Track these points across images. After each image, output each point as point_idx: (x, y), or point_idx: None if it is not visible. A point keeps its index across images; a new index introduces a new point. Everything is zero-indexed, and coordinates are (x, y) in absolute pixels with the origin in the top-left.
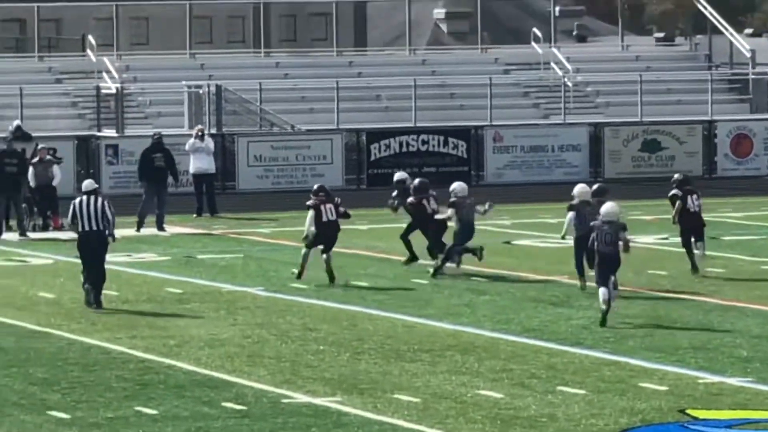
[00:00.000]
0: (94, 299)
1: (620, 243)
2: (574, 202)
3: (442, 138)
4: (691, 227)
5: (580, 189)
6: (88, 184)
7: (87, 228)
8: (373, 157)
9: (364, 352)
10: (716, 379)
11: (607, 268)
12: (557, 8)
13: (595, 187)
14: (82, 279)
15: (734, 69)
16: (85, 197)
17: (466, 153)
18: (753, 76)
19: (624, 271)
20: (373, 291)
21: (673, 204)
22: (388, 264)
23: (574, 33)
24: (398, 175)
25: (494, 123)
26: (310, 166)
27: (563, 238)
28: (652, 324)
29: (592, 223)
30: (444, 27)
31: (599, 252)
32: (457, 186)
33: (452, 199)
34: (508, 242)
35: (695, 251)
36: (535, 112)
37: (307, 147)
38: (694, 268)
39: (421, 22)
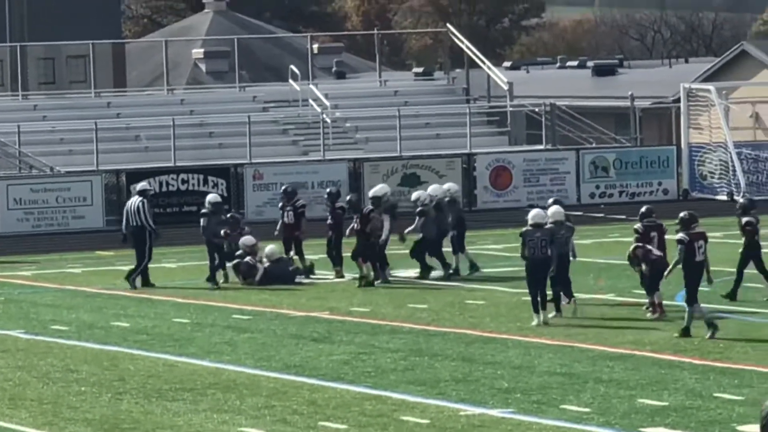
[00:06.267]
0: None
1: None
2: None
3: (202, 177)
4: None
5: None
6: None
7: None
8: None
9: (125, 392)
10: (478, 410)
11: None
12: (315, 45)
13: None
14: None
15: (492, 102)
16: None
17: (226, 191)
18: (511, 109)
19: (385, 305)
20: (134, 331)
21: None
22: (148, 304)
23: (333, 70)
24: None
25: (254, 161)
26: (70, 208)
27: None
28: (414, 357)
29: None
30: (203, 66)
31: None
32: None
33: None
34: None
35: None
36: (295, 149)
37: (67, 189)
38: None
39: (180, 62)
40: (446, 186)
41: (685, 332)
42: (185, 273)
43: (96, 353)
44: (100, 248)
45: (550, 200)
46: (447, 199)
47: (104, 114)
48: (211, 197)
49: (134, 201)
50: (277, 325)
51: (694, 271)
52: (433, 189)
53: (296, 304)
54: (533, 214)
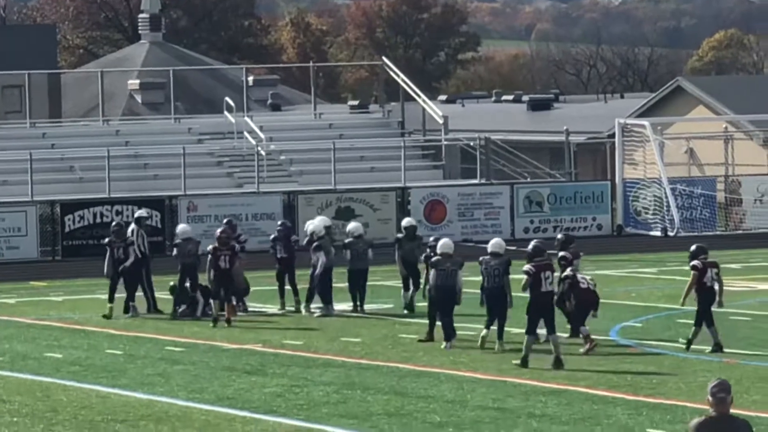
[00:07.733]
0: None
1: None
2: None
3: (136, 208)
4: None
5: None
6: None
7: None
8: (67, 229)
9: (58, 423)
10: None
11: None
12: (250, 78)
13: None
14: None
15: (427, 136)
16: None
17: (160, 223)
18: (446, 143)
19: (318, 338)
20: (67, 362)
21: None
22: (82, 335)
23: (268, 102)
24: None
25: (188, 192)
26: (4, 239)
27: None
28: (346, 390)
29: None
30: (138, 97)
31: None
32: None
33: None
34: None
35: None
36: (229, 181)
37: (1, 219)
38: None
39: (116, 93)
40: (350, 226)
41: (524, 362)
42: (117, 306)
43: (29, 384)
44: (34, 279)
45: (433, 237)
46: (349, 239)
47: (39, 144)
48: (186, 227)
49: (130, 228)
50: (210, 357)
51: (543, 300)
52: (319, 221)
53: (229, 337)
54: (492, 243)
